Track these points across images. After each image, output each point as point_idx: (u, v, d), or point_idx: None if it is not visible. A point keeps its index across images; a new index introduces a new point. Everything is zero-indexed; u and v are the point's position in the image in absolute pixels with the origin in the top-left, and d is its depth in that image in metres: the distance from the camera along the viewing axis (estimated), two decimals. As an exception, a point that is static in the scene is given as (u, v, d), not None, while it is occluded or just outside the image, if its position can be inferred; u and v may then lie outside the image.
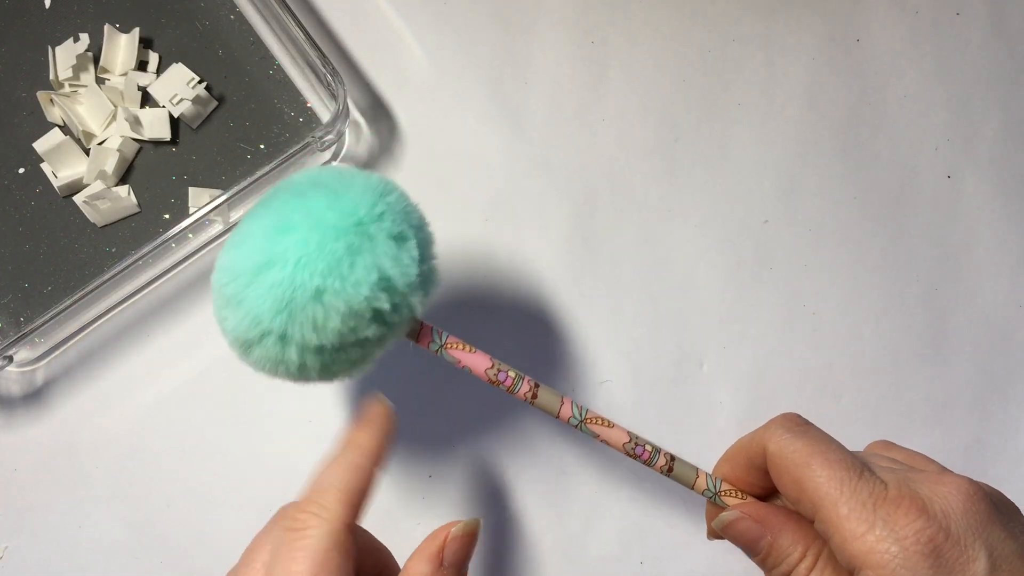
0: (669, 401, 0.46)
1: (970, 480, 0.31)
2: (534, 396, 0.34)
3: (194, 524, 0.43)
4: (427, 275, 0.33)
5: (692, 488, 0.35)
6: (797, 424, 0.34)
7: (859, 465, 0.32)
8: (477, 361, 0.34)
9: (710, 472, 0.36)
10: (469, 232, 0.46)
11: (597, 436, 0.35)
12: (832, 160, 0.50)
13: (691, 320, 0.47)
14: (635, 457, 0.35)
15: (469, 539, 0.32)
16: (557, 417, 0.34)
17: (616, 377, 0.46)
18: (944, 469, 0.33)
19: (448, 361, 0.34)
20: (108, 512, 0.43)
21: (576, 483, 0.45)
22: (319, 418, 0.44)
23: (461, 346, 0.34)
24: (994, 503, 0.31)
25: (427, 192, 0.47)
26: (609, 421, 0.35)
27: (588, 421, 0.34)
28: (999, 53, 0.52)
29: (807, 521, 0.35)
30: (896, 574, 0.30)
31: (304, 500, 0.30)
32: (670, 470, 0.35)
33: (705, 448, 0.45)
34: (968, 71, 0.52)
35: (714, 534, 0.36)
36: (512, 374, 0.34)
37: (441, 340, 0.34)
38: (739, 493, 0.36)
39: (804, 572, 0.34)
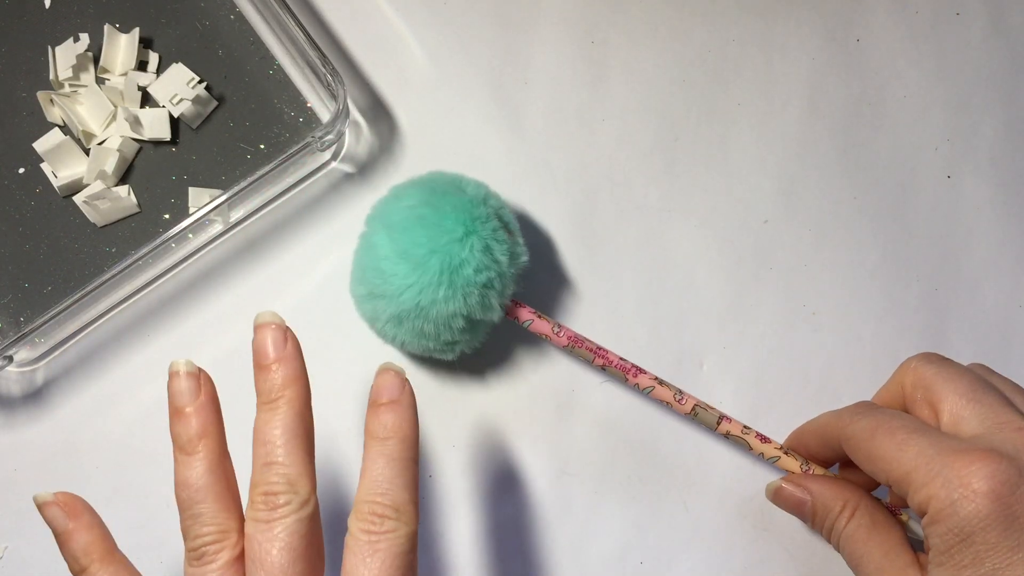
0: (669, 401, 0.46)
1: None
2: (604, 365, 0.42)
3: (194, 524, 0.43)
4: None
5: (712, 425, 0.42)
6: (865, 407, 0.38)
7: (920, 426, 0.34)
8: (561, 338, 0.42)
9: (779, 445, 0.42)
10: (469, 232, 0.46)
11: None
12: (832, 160, 0.50)
13: (691, 320, 0.47)
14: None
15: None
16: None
17: (616, 377, 0.46)
18: None
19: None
20: (108, 512, 0.43)
21: (576, 483, 0.45)
22: (318, 418, 0.44)
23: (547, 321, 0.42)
24: None
25: (427, 192, 0.47)
26: (677, 392, 0.42)
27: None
28: (999, 53, 0.52)
29: (843, 480, 0.40)
30: (957, 516, 0.31)
31: (382, 507, 0.31)
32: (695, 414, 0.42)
33: (705, 448, 0.45)
34: (968, 71, 0.52)
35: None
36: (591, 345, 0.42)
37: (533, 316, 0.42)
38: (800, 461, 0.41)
39: (844, 522, 0.37)
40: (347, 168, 0.47)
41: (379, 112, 0.47)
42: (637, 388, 0.42)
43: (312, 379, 0.45)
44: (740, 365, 0.47)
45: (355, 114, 0.47)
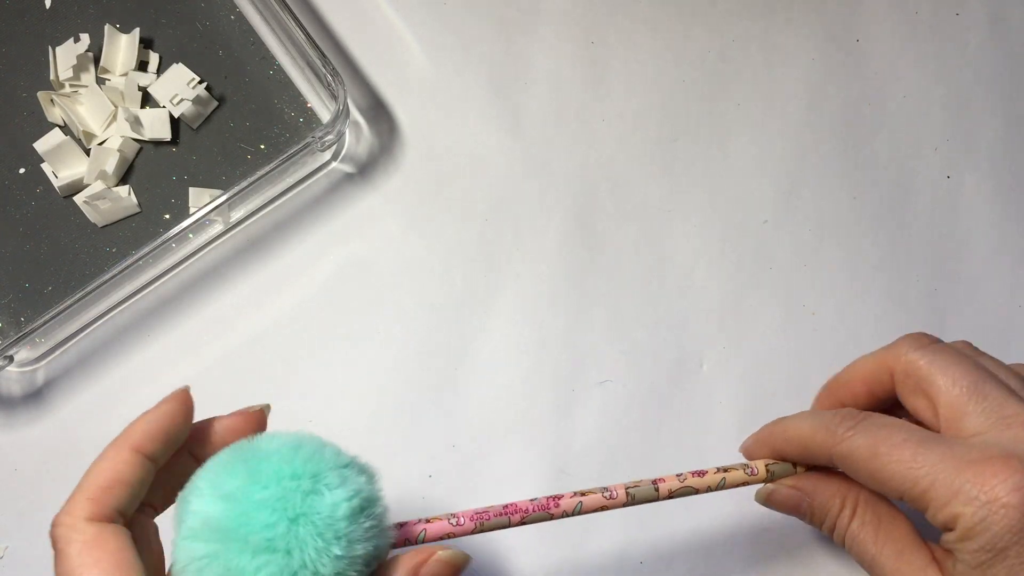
0: (669, 401, 0.46)
1: None
2: (523, 519, 0.35)
3: (194, 524, 0.43)
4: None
5: (709, 488, 0.37)
6: (854, 417, 0.35)
7: (924, 436, 0.32)
8: (464, 527, 0.34)
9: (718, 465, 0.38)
10: (469, 232, 0.46)
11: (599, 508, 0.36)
12: (832, 160, 0.50)
13: (691, 320, 0.47)
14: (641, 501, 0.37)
15: (452, 569, 0.31)
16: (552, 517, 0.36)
17: (616, 377, 0.46)
18: None
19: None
20: (108, 512, 0.43)
21: (576, 483, 0.45)
22: (320, 418, 0.44)
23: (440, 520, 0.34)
24: None
25: (427, 192, 0.47)
26: (603, 491, 0.36)
27: (586, 494, 0.36)
28: (999, 53, 0.52)
29: (837, 474, 0.36)
30: (989, 533, 0.30)
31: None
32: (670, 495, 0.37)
33: (705, 448, 0.45)
34: (968, 71, 0.52)
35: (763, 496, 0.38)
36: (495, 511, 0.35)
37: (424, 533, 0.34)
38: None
39: (846, 521, 0.35)
40: (347, 168, 0.47)
41: (379, 112, 0.47)
42: (567, 515, 0.36)
43: (310, 380, 0.45)
44: (740, 365, 0.47)
45: (355, 114, 0.47)
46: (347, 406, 0.44)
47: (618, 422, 0.45)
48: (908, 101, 0.51)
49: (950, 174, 0.50)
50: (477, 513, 0.35)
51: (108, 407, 0.43)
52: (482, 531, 0.35)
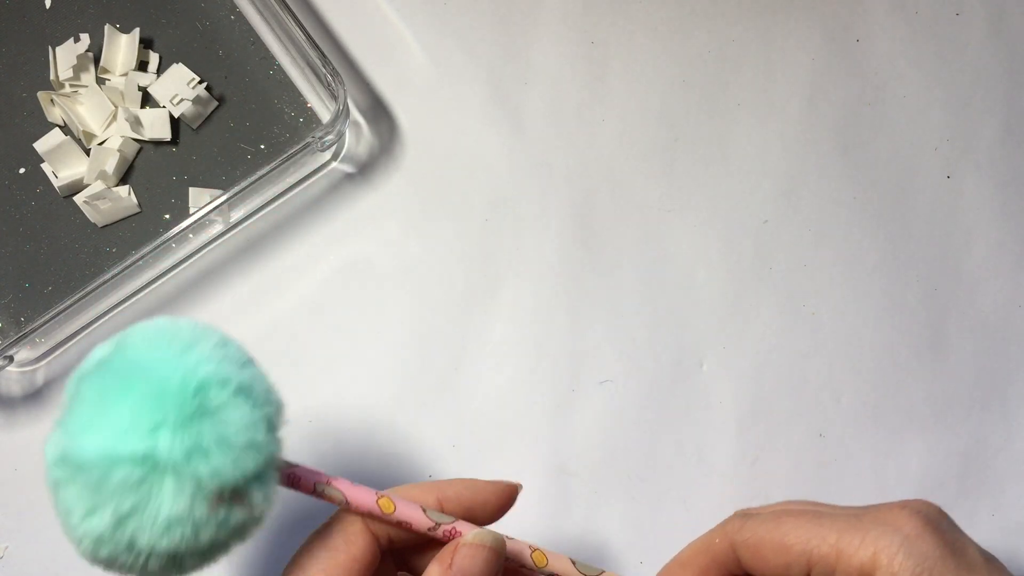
0: (669, 401, 0.46)
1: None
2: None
3: (194, 524, 0.43)
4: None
5: None
6: (742, 512, 0.35)
7: (817, 504, 0.34)
8: (363, 495, 0.30)
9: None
10: (469, 232, 0.46)
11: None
12: (832, 160, 0.50)
13: (691, 320, 0.47)
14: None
15: (484, 551, 0.30)
16: None
17: (616, 377, 0.46)
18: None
19: (332, 498, 0.30)
20: (108, 512, 0.43)
21: (576, 483, 0.45)
22: (319, 419, 0.44)
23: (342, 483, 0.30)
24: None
25: (427, 192, 0.47)
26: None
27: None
28: (999, 53, 0.52)
29: None
30: (915, 555, 0.30)
31: None
32: None
33: (705, 448, 0.45)
34: (968, 71, 0.52)
35: None
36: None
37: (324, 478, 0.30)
38: None
39: None
40: (347, 168, 0.47)
41: (379, 112, 0.47)
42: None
43: (310, 381, 0.45)
44: (740, 365, 0.47)
45: (355, 114, 0.47)
46: (347, 406, 0.44)
47: (618, 422, 0.45)
48: (908, 101, 0.51)
49: (950, 174, 0.50)
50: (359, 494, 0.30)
51: (108, 407, 0.43)
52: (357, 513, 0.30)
